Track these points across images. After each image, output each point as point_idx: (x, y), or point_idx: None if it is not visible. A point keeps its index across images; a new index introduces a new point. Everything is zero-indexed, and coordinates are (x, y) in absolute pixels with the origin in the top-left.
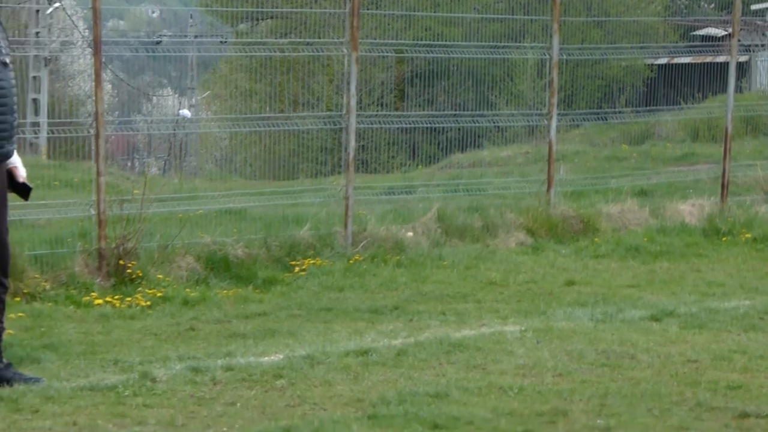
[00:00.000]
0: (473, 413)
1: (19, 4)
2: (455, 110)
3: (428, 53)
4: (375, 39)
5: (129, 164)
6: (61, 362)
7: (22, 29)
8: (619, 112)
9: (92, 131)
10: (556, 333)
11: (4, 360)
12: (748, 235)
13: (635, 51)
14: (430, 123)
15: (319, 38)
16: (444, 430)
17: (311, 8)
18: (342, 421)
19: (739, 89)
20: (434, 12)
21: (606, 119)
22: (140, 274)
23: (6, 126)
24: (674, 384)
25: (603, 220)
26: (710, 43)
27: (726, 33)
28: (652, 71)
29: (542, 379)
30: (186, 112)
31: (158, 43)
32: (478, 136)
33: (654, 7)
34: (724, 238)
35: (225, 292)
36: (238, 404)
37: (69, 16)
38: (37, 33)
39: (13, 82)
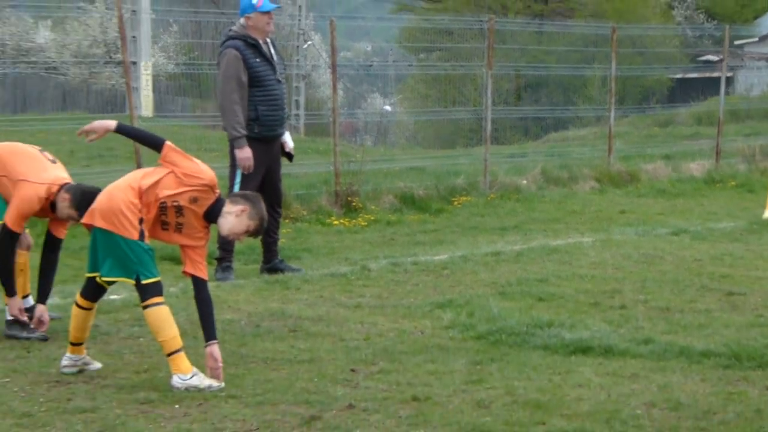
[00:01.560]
0: (563, 291)
1: (287, 42)
2: (552, 106)
3: (535, 72)
4: (503, 63)
5: (353, 139)
6: (313, 259)
7: (288, 57)
8: (652, 108)
9: (331, 119)
10: (614, 243)
11: (279, 257)
12: (733, 183)
13: (662, 70)
14: (536, 114)
15: (468, 62)
16: (545, 301)
17: (463, 44)
18: (483, 296)
19: (727, 93)
20: (538, 46)
21: (644, 112)
22: (360, 206)
23: (278, 118)
24: (687, 274)
25: (642, 174)
26: (709, 64)
27: (719, 59)
28: (672, 82)
29: (605, 270)
30: (388, 108)
31: (371, 66)
32: (566, 122)
33: (674, 42)
34: (717, 185)
35: (412, 217)
36: (420, 285)
37: (317, 49)
38: (297, 60)
39: (285, 91)
